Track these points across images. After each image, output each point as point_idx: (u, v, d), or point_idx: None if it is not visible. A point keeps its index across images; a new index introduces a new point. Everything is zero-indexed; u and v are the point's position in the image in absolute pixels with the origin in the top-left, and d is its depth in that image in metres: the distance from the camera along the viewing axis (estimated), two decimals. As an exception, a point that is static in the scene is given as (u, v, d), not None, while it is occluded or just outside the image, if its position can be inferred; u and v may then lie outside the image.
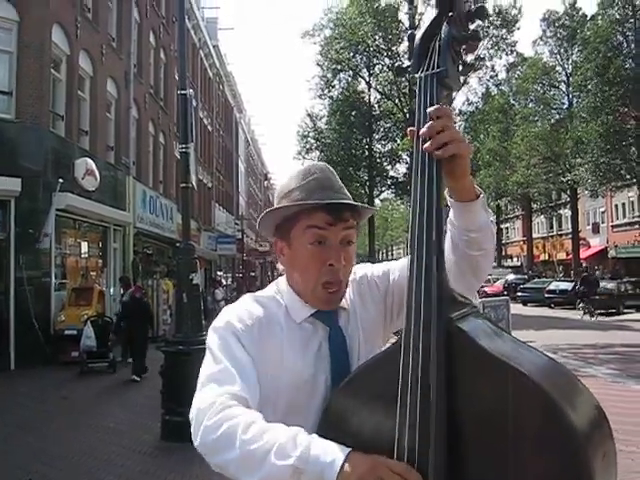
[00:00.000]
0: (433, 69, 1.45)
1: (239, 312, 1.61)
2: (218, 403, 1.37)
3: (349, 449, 1.27)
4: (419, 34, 1.51)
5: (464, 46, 1.48)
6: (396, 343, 1.40)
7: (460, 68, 1.52)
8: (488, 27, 33.64)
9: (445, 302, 1.33)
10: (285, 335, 1.59)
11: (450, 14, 1.45)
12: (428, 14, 1.53)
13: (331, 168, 1.72)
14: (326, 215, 1.57)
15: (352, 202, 1.63)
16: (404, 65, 1.61)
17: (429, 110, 1.39)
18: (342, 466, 1.23)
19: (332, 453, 1.25)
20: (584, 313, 27.96)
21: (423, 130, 1.38)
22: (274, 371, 1.53)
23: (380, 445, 1.31)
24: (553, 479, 1.15)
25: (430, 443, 1.26)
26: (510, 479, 1.20)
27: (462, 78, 1.55)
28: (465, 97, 41.02)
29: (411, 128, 1.45)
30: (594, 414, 1.26)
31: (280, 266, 1.73)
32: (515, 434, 1.19)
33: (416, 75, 1.48)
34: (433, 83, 1.44)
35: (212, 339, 1.56)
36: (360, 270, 1.78)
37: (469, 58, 1.52)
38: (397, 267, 1.76)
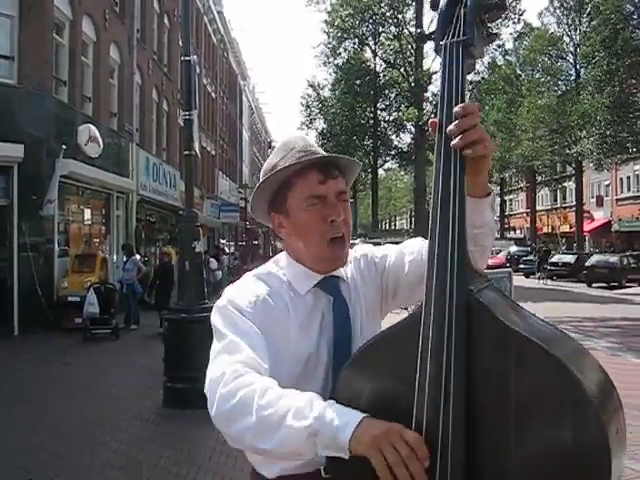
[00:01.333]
0: (459, 37, 1.42)
1: (241, 291, 1.62)
2: (231, 371, 1.38)
3: (364, 414, 1.28)
4: (443, 0, 1.48)
5: (488, 15, 1.45)
6: (412, 315, 1.40)
7: (484, 37, 1.49)
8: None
9: (465, 274, 1.33)
10: (290, 309, 1.61)
11: None
12: None
13: (308, 138, 1.76)
14: (317, 174, 1.62)
15: (335, 155, 1.70)
16: (427, 32, 1.58)
17: (456, 109, 1.37)
18: (356, 428, 1.24)
19: (347, 416, 1.27)
20: (539, 279, 33.13)
21: (451, 127, 1.36)
22: (280, 345, 1.54)
23: (396, 418, 1.30)
24: (573, 450, 1.16)
25: (449, 413, 1.27)
26: (528, 451, 1.20)
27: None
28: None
29: (433, 120, 1.43)
30: (608, 388, 1.27)
31: (279, 244, 1.73)
32: (533, 406, 1.21)
33: (440, 42, 1.45)
34: (459, 51, 1.42)
35: (216, 319, 1.57)
36: (360, 249, 1.82)
37: (493, 27, 1.50)
38: (394, 252, 1.79)
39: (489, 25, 1.48)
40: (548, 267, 33.74)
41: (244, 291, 1.61)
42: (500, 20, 37.02)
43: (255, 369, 1.40)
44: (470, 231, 1.51)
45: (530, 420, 1.20)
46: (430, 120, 1.46)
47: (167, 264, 16.10)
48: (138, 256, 16.58)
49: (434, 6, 1.51)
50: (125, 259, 16.34)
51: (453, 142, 1.36)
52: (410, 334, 1.36)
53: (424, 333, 1.33)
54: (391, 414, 1.32)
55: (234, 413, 1.34)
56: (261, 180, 1.68)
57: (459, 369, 1.28)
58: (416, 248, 1.74)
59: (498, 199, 65.26)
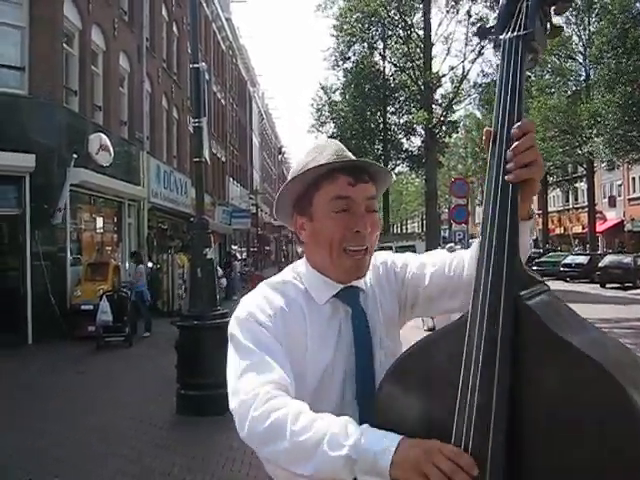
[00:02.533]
0: (519, 31, 1.37)
1: (259, 302, 1.57)
2: (263, 393, 1.36)
3: (401, 436, 1.25)
4: None
5: (554, 7, 1.42)
6: (456, 322, 1.35)
7: (548, 30, 1.45)
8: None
9: (515, 279, 1.28)
10: (308, 320, 1.57)
11: None
12: None
13: (340, 143, 1.71)
14: (347, 176, 1.56)
15: (368, 160, 1.65)
16: (487, 26, 1.52)
17: (513, 130, 1.32)
18: (395, 453, 1.22)
19: (384, 441, 1.24)
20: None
21: (509, 152, 1.32)
22: (299, 358, 1.52)
23: (436, 430, 1.28)
24: (618, 475, 1.10)
25: (489, 427, 1.22)
26: (570, 469, 1.15)
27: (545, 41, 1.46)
28: (480, 68, 40.57)
29: (487, 128, 1.39)
30: None
31: (299, 248, 1.70)
32: (579, 423, 1.15)
33: (500, 37, 1.41)
34: (519, 46, 1.37)
35: (237, 331, 1.53)
36: (380, 257, 1.77)
37: (557, 20, 1.44)
38: (415, 262, 1.75)
39: (553, 18, 1.43)
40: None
41: (262, 303, 1.56)
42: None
43: (285, 390, 1.39)
44: None
45: (576, 437, 1.15)
46: (485, 129, 1.40)
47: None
48: (143, 266, 16.56)
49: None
50: (136, 267, 16.37)
51: (508, 165, 1.32)
52: (454, 343, 1.31)
53: (469, 342, 1.28)
54: (431, 427, 1.29)
55: (267, 437, 1.32)
56: (289, 179, 1.65)
57: (502, 381, 1.22)
58: (439, 260, 1.71)
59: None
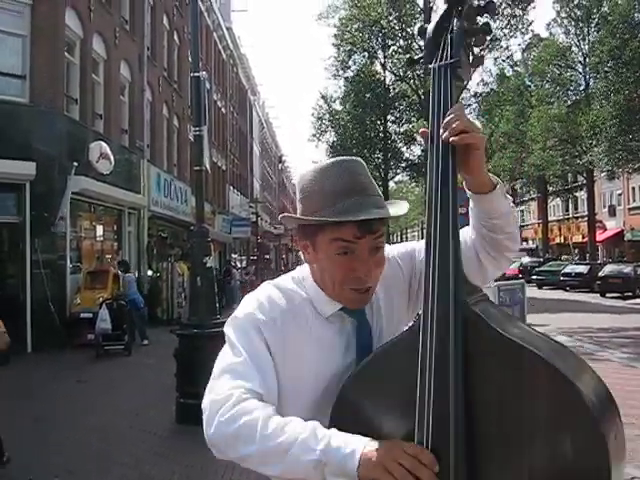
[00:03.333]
0: (447, 60, 1.49)
1: (262, 303, 1.54)
2: (235, 396, 1.36)
3: (367, 438, 1.30)
4: (430, 27, 1.55)
5: (474, 39, 1.53)
6: (411, 328, 1.42)
7: (471, 60, 1.56)
8: (501, 5, 33.23)
9: (461, 287, 1.37)
10: (312, 331, 1.55)
11: (460, 8, 1.51)
12: (439, 8, 1.59)
13: (361, 162, 1.60)
14: (355, 229, 1.47)
15: (383, 215, 1.52)
16: (416, 57, 1.65)
17: (446, 119, 1.43)
18: (362, 455, 1.26)
19: (352, 444, 1.28)
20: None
21: (442, 132, 1.42)
22: (296, 366, 1.50)
23: (397, 432, 1.36)
24: (572, 458, 1.18)
25: (448, 424, 1.29)
26: (529, 460, 1.23)
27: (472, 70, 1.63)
28: (480, 78, 40.69)
29: (424, 129, 1.49)
30: (605, 395, 1.29)
31: (303, 255, 1.65)
32: (532, 414, 1.23)
33: (430, 66, 1.52)
34: (447, 73, 1.48)
35: (231, 329, 1.52)
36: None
37: (478, 51, 1.58)
38: (421, 247, 1.67)
39: (475, 49, 1.55)
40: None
41: (264, 305, 1.54)
42: (508, 31, 37.15)
43: (258, 397, 1.39)
44: (489, 222, 1.56)
45: (530, 428, 1.22)
46: (421, 130, 1.51)
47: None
48: (130, 274, 16.45)
49: (421, 33, 1.58)
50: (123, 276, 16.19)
51: (441, 134, 1.42)
52: (409, 347, 1.38)
53: (423, 344, 1.36)
54: (392, 429, 1.37)
55: (235, 441, 1.34)
56: (294, 215, 1.60)
57: (458, 380, 1.30)
58: None
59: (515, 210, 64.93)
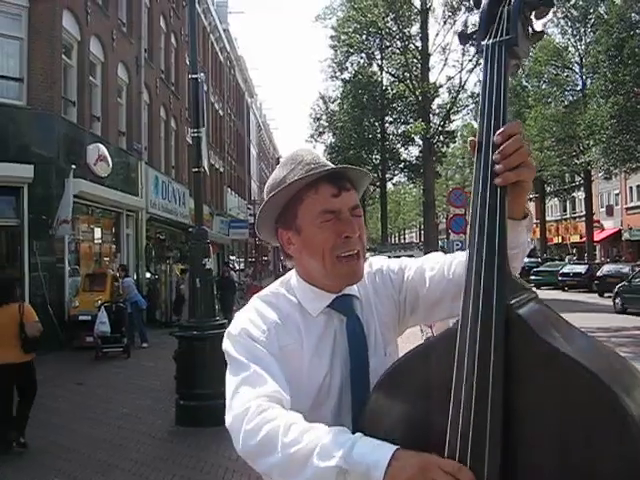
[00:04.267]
0: (501, 36, 1.36)
1: (252, 317, 1.55)
2: (254, 406, 1.34)
3: (396, 447, 1.21)
4: None
5: (535, 11, 1.39)
6: (449, 331, 1.33)
7: (529, 35, 1.43)
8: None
9: (504, 288, 1.26)
10: (303, 334, 1.55)
11: None
12: None
13: (315, 151, 1.70)
14: (329, 187, 1.54)
15: (349, 166, 1.62)
16: (469, 31, 1.51)
17: (496, 136, 1.30)
18: (389, 465, 1.18)
19: (377, 452, 1.21)
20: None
21: (496, 156, 1.30)
22: (294, 372, 1.49)
23: (428, 443, 1.25)
24: (612, 469, 1.09)
25: (485, 438, 1.19)
26: (567, 476, 1.14)
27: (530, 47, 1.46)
28: (477, 78, 40.72)
29: (471, 139, 1.38)
30: None
31: (289, 263, 1.66)
32: (573, 431, 1.13)
33: (482, 43, 1.40)
34: (501, 51, 1.36)
35: (230, 347, 1.51)
36: (376, 263, 1.74)
37: (539, 25, 1.41)
38: (413, 266, 1.70)
39: (535, 23, 1.41)
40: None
41: (256, 319, 1.54)
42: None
43: (279, 402, 1.37)
44: None
45: (570, 445, 1.13)
46: (469, 139, 1.39)
47: (228, 277, 19.93)
48: (129, 278, 16.51)
49: (477, 4, 1.44)
50: (122, 278, 16.18)
51: (496, 168, 1.30)
52: (446, 352, 1.28)
53: (460, 351, 1.26)
54: (424, 437, 1.27)
55: (260, 450, 1.30)
56: (268, 196, 1.61)
57: (496, 392, 1.20)
58: (437, 263, 1.67)
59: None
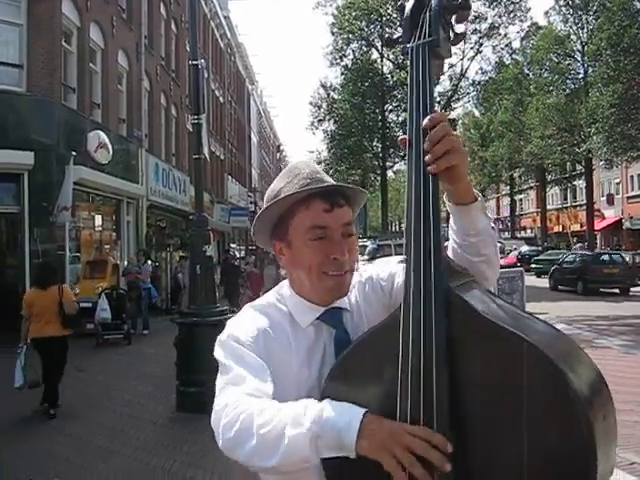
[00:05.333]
0: (424, 39, 1.46)
1: (242, 324, 1.57)
2: (231, 402, 1.36)
3: (364, 410, 1.24)
4: (409, 5, 1.53)
5: (455, 15, 1.49)
6: (392, 315, 1.40)
7: (451, 37, 1.52)
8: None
9: (444, 271, 1.34)
10: (292, 343, 1.56)
11: None
12: None
13: (315, 164, 1.70)
14: (322, 202, 1.53)
15: (343, 184, 1.60)
16: (394, 36, 1.62)
17: (424, 122, 1.38)
18: (360, 429, 1.20)
19: (347, 414, 1.23)
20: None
21: (425, 144, 1.37)
22: (282, 380, 1.49)
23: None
24: (555, 442, 1.15)
25: (432, 419, 1.25)
26: (512, 444, 1.19)
27: (453, 48, 1.58)
28: (479, 66, 40.65)
29: (403, 137, 1.44)
30: (594, 378, 1.26)
31: (283, 271, 1.68)
32: (515, 399, 1.19)
33: (407, 45, 1.49)
34: (425, 52, 1.45)
35: (219, 353, 1.53)
36: (366, 272, 1.75)
37: (460, 28, 1.53)
38: (402, 270, 1.69)
39: (455, 26, 1.51)
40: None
41: (245, 325, 1.56)
42: (506, 18, 37.04)
43: (259, 397, 1.38)
44: (467, 240, 1.52)
45: (513, 413, 1.19)
46: (400, 137, 1.45)
47: (233, 264, 20.73)
48: (149, 263, 16.73)
49: (400, 10, 1.56)
50: (143, 263, 16.46)
51: (426, 158, 1.37)
52: (390, 335, 1.35)
53: (404, 333, 1.33)
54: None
55: (238, 439, 1.31)
56: (264, 207, 1.62)
57: (440, 368, 1.27)
58: None
59: (508, 198, 65.11)
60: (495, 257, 1.60)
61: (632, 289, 26.92)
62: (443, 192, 1.47)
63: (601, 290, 25.30)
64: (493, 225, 1.59)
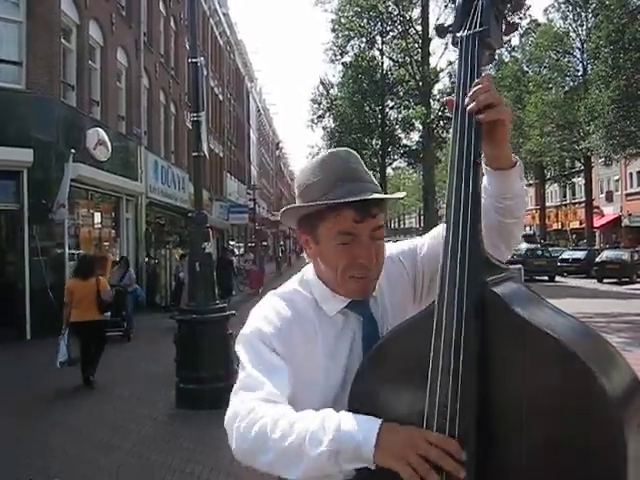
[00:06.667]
0: (475, 28, 1.41)
1: (266, 315, 1.55)
2: (244, 409, 1.35)
3: (380, 421, 1.25)
4: None
5: (509, 4, 1.46)
6: (427, 310, 1.37)
7: (503, 27, 1.49)
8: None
9: (480, 266, 1.30)
10: (319, 333, 1.54)
11: None
12: None
13: (353, 152, 1.62)
14: (353, 212, 1.48)
15: (379, 196, 1.52)
16: (446, 24, 1.54)
17: (472, 87, 1.37)
18: (377, 440, 1.22)
19: (364, 427, 1.24)
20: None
21: (467, 100, 1.36)
22: (309, 371, 1.50)
23: (410, 420, 1.29)
24: (586, 448, 1.12)
25: (463, 413, 1.24)
26: (544, 448, 1.17)
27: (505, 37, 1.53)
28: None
29: (449, 98, 1.43)
30: (629, 383, 1.22)
31: (307, 257, 1.65)
32: (548, 402, 1.17)
33: (457, 34, 1.45)
34: (475, 43, 1.41)
35: (241, 347, 1.52)
36: (386, 252, 1.68)
37: (514, 17, 1.47)
38: (424, 241, 1.71)
39: (509, 15, 1.46)
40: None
41: (269, 316, 1.54)
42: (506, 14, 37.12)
43: (270, 401, 1.37)
44: (502, 203, 1.52)
45: (545, 416, 1.17)
46: (446, 98, 1.45)
47: (226, 259, 20.88)
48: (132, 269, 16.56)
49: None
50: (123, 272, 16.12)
51: (467, 104, 1.35)
52: (425, 329, 1.32)
53: (437, 329, 1.30)
54: (406, 413, 1.31)
55: (253, 451, 1.32)
56: (292, 205, 1.59)
57: (472, 367, 1.24)
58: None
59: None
60: (523, 218, 1.63)
61: (628, 286, 27.01)
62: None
63: (535, 278, 30.07)
64: (525, 187, 1.60)
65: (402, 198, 1.69)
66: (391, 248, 1.71)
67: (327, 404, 1.47)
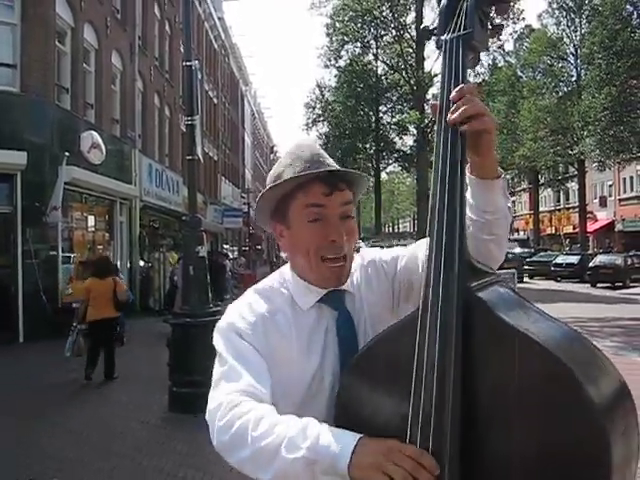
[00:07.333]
0: (460, 31, 1.40)
1: (241, 309, 1.57)
2: (226, 402, 1.36)
3: (359, 436, 1.24)
4: None
5: (494, 7, 1.44)
6: (410, 315, 1.36)
7: (488, 30, 1.47)
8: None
9: (464, 271, 1.29)
10: (293, 328, 1.55)
11: None
12: None
13: (317, 146, 1.67)
14: (322, 186, 1.53)
15: (344, 169, 1.59)
16: (430, 27, 1.55)
17: (453, 93, 1.36)
18: (352, 454, 1.21)
19: (341, 441, 1.23)
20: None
21: (451, 110, 1.35)
22: (284, 366, 1.50)
23: (395, 425, 1.29)
24: (571, 455, 1.12)
25: (447, 420, 1.23)
26: (527, 454, 1.17)
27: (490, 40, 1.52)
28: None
29: (433, 102, 1.43)
30: (616, 388, 1.22)
31: (284, 254, 1.67)
32: (531, 407, 1.17)
33: (441, 38, 1.44)
34: (459, 46, 1.40)
35: (217, 341, 1.54)
36: (368, 255, 1.74)
37: (498, 19, 1.47)
38: (406, 253, 1.72)
39: (494, 18, 1.45)
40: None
41: (244, 310, 1.56)
42: (500, 19, 37.24)
43: (253, 396, 1.38)
44: (483, 217, 1.49)
45: (529, 421, 1.16)
46: (431, 103, 1.45)
47: (218, 262, 20.69)
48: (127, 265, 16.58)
49: (438, 0, 1.49)
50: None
51: (449, 116, 1.34)
52: (407, 334, 1.32)
53: (421, 333, 1.29)
54: (391, 423, 1.31)
55: (231, 445, 1.33)
56: (265, 189, 1.61)
57: (456, 372, 1.23)
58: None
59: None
60: (505, 238, 1.58)
61: (621, 290, 27.13)
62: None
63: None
64: (510, 206, 1.57)
65: (367, 178, 1.70)
66: (375, 254, 1.74)
67: (302, 399, 1.50)
